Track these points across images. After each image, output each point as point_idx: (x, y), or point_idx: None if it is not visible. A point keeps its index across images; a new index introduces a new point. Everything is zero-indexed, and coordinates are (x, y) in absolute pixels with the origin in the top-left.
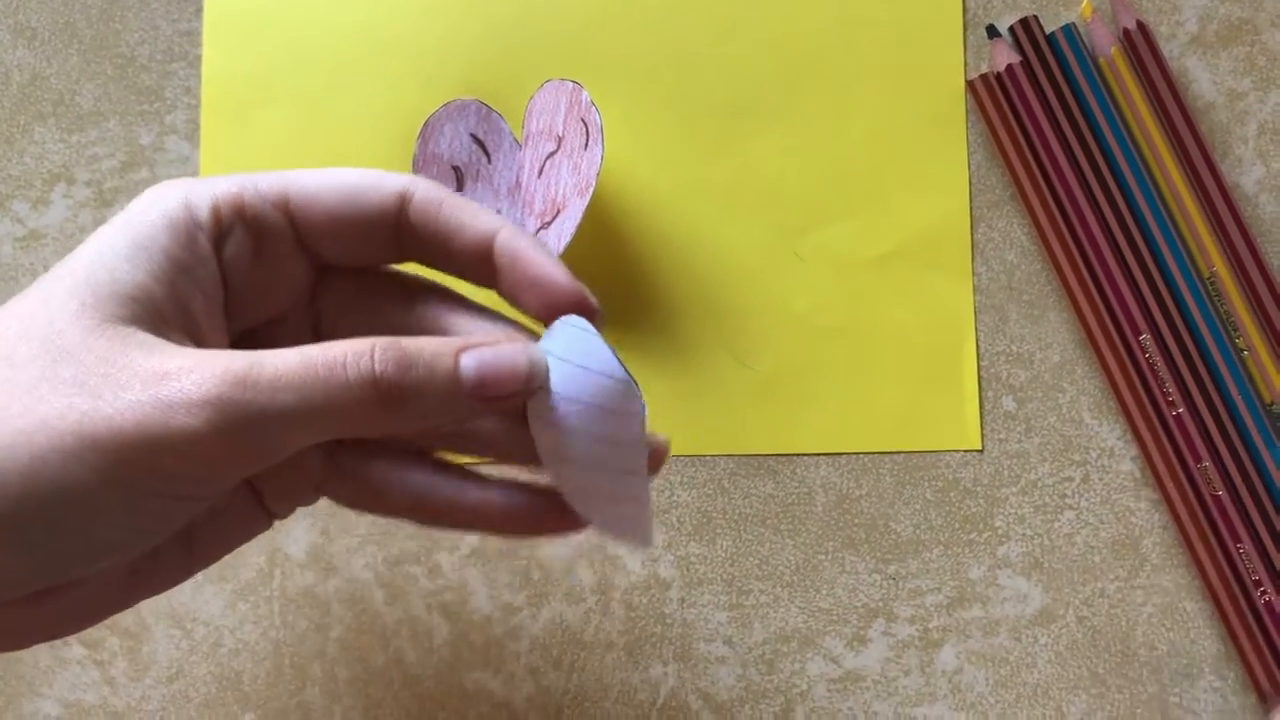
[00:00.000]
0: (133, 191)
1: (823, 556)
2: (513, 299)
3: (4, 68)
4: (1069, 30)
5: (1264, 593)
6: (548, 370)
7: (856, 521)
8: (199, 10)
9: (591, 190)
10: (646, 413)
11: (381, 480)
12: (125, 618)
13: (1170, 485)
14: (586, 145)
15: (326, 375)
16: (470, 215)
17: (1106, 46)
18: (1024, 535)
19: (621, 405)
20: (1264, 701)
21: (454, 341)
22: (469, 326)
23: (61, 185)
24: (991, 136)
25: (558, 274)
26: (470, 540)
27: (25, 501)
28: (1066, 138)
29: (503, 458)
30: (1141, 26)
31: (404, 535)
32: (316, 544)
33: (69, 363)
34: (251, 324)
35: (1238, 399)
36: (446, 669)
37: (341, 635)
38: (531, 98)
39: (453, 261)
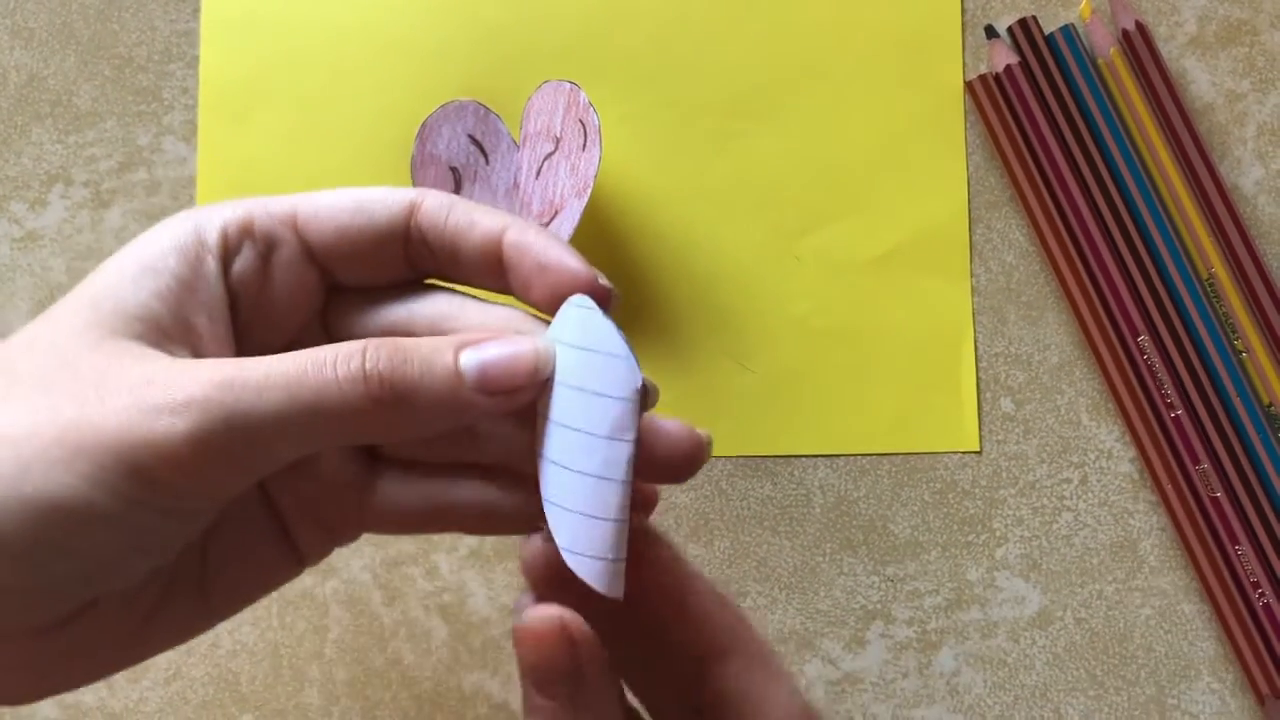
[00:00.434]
0: (130, 192)
1: (821, 558)
2: (524, 294)
3: (1, 68)
4: (1068, 31)
5: (1262, 595)
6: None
7: (855, 523)
8: (196, 11)
9: (589, 191)
10: (637, 403)
11: (438, 496)
12: None
13: (1168, 487)
14: (585, 146)
15: (315, 373)
16: (479, 216)
17: (1105, 47)
18: (1022, 537)
19: (611, 388)
20: (1262, 703)
21: (453, 338)
22: (483, 321)
23: (59, 186)
24: (990, 137)
25: (566, 258)
26: (468, 542)
27: (12, 513)
28: (1065, 139)
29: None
30: (1140, 27)
31: (402, 537)
32: None
33: (66, 374)
34: (263, 345)
35: (1236, 401)
36: (445, 670)
37: (340, 636)
38: (529, 99)
39: (463, 268)
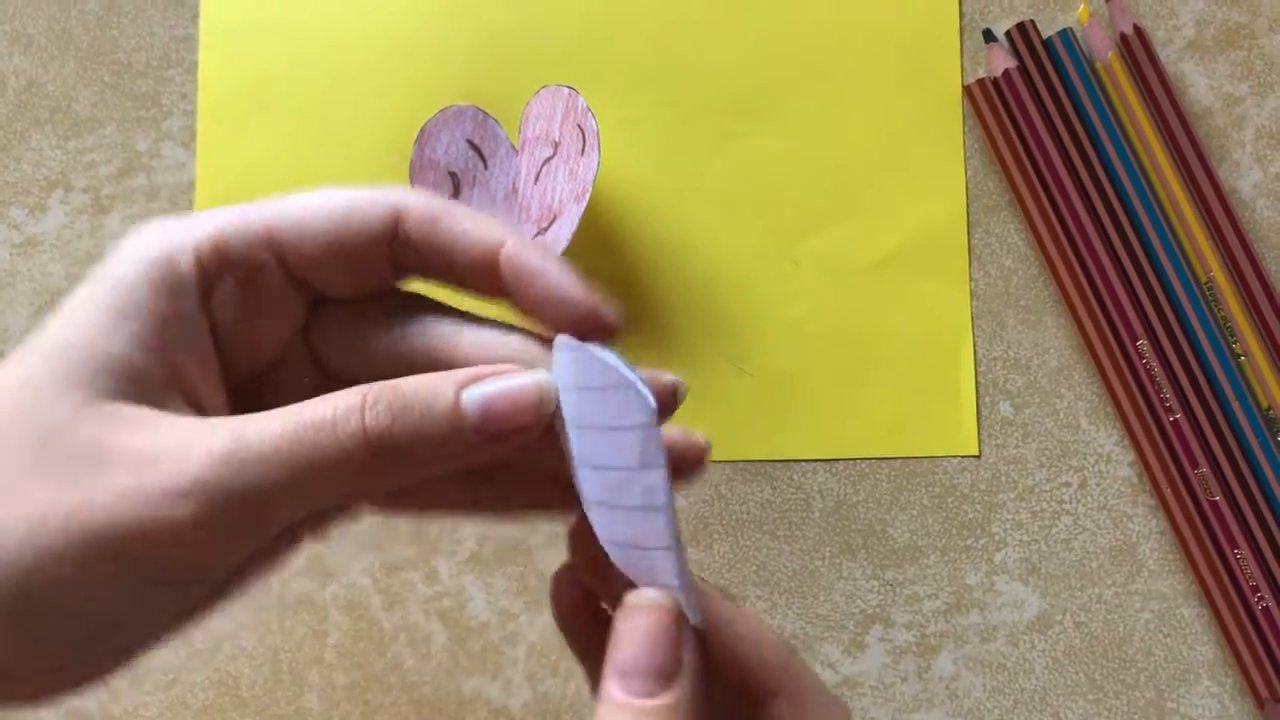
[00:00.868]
0: (130, 198)
1: (820, 562)
2: (524, 315)
3: (1, 74)
4: (1066, 35)
5: (1261, 598)
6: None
7: (854, 527)
8: (195, 16)
9: (588, 196)
10: (656, 427)
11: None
12: None
13: (1167, 491)
14: (583, 151)
15: (314, 439)
16: (472, 226)
17: (1103, 51)
18: (1021, 541)
19: (626, 418)
20: (1261, 707)
21: (453, 375)
22: (476, 344)
23: (59, 192)
24: (988, 141)
25: (569, 289)
26: (468, 546)
27: (15, 590)
28: (1063, 142)
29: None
30: (1138, 31)
31: (402, 542)
32: (314, 550)
33: (56, 448)
34: (249, 370)
35: (1235, 405)
36: (444, 675)
37: (339, 641)
38: (528, 103)
39: (456, 276)
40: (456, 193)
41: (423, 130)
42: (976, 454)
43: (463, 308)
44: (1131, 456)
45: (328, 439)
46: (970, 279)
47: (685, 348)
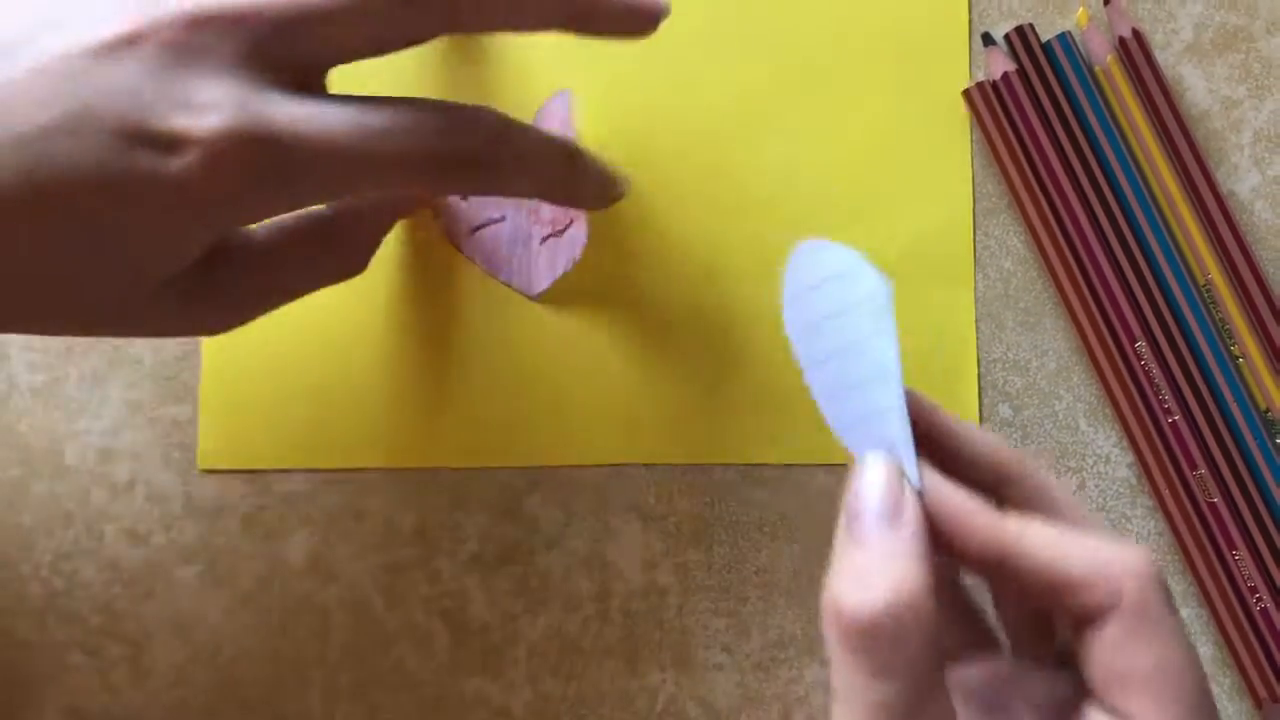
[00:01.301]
0: None
1: (821, 566)
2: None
3: None
4: (1064, 38)
5: (1259, 600)
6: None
7: None
8: None
9: None
10: (886, 297)
11: None
12: (127, 625)
13: (1166, 492)
14: None
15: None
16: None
17: (1102, 54)
18: None
19: (858, 293)
20: (1260, 707)
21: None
22: None
23: None
24: (987, 144)
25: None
26: (470, 547)
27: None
28: (1062, 145)
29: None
30: (1137, 34)
31: (404, 542)
32: (316, 551)
33: None
34: None
35: (1233, 406)
36: (446, 675)
37: (341, 642)
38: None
39: None
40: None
41: None
42: None
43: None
44: (1130, 458)
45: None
46: (975, 287)
47: (687, 349)
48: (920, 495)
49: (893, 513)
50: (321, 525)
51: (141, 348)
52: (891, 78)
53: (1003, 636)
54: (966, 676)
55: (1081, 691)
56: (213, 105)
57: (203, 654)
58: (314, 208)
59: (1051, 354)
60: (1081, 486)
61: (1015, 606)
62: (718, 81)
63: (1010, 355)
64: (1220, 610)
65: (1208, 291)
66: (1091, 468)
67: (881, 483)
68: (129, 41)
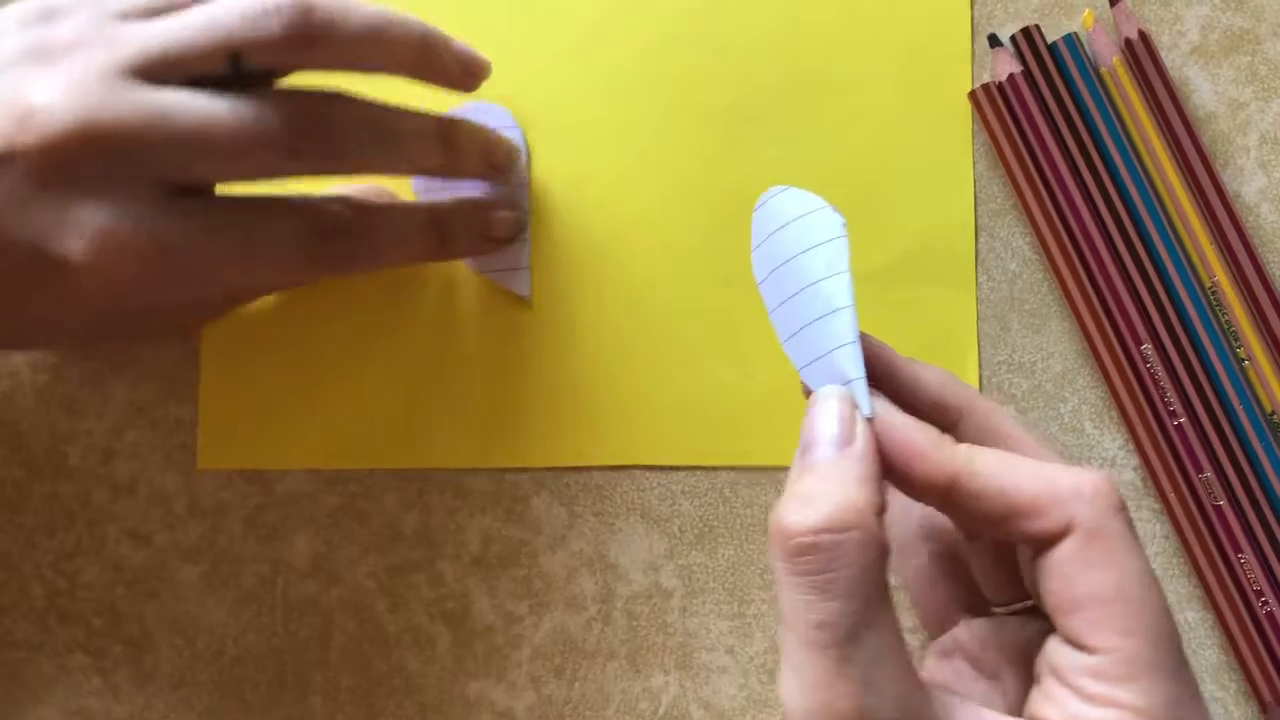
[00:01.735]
0: None
1: None
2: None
3: None
4: (1070, 40)
5: (1265, 603)
6: None
7: None
8: None
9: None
10: (843, 237)
11: None
12: (129, 626)
13: (1171, 495)
14: None
15: None
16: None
17: (1108, 56)
18: None
19: (818, 237)
20: (1265, 711)
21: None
22: None
23: None
24: (993, 146)
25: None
26: (472, 550)
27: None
28: (1068, 147)
29: None
30: (1143, 36)
31: (406, 544)
32: (319, 553)
33: None
34: None
35: (1239, 409)
36: (448, 678)
37: (344, 644)
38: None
39: None
40: None
41: None
42: None
43: None
44: (1136, 461)
45: None
46: (976, 285)
47: (689, 352)
48: (870, 423)
49: (843, 440)
50: (324, 527)
51: (143, 348)
52: (893, 79)
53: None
54: (959, 638)
55: (1047, 629)
56: (89, 223)
57: (205, 655)
58: None
59: (1057, 356)
60: None
61: (987, 555)
62: (722, 82)
63: (1016, 357)
64: (1226, 614)
65: (1213, 294)
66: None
67: (833, 412)
68: (4, 160)
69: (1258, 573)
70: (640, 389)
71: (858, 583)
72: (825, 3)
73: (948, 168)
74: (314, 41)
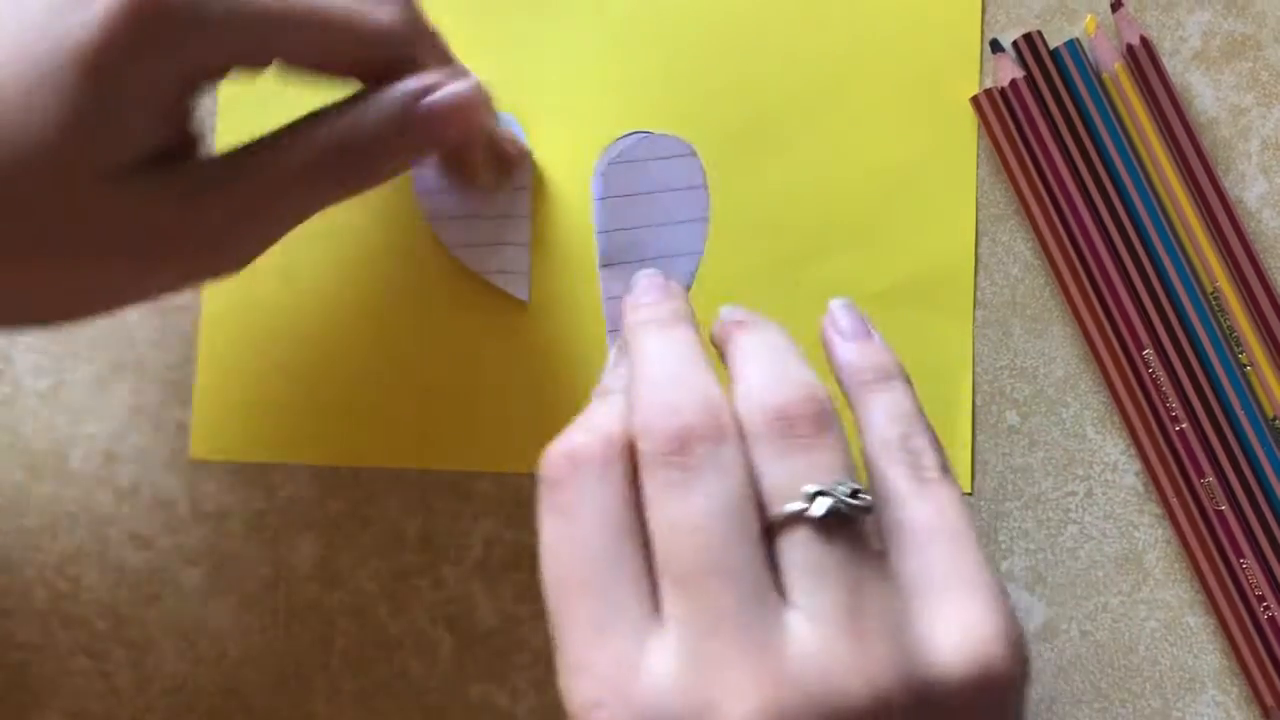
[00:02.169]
0: None
1: None
2: None
3: None
4: (1073, 45)
5: (1267, 607)
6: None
7: None
8: None
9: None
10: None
11: None
12: (131, 629)
13: (1173, 500)
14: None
15: None
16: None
17: (1110, 62)
18: (1027, 549)
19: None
20: (1267, 716)
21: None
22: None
23: None
24: (995, 151)
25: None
26: (474, 554)
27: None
28: (1070, 152)
29: None
30: (1145, 42)
31: (408, 548)
32: (321, 556)
33: None
34: None
35: (1241, 414)
36: (451, 681)
37: (346, 647)
38: None
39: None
40: None
41: None
42: (970, 493)
43: None
44: (1137, 465)
45: None
46: (976, 304)
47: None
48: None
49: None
50: (326, 530)
51: (145, 351)
52: (898, 101)
53: None
54: None
55: None
56: None
57: (207, 659)
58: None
59: (1059, 361)
60: (1089, 494)
61: None
62: (727, 96)
63: (1017, 362)
64: (1228, 618)
65: (1215, 299)
66: (1099, 475)
67: (610, 363)
68: None
69: (1259, 577)
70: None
71: (593, 505)
72: (833, 16)
73: (951, 194)
74: (411, 42)
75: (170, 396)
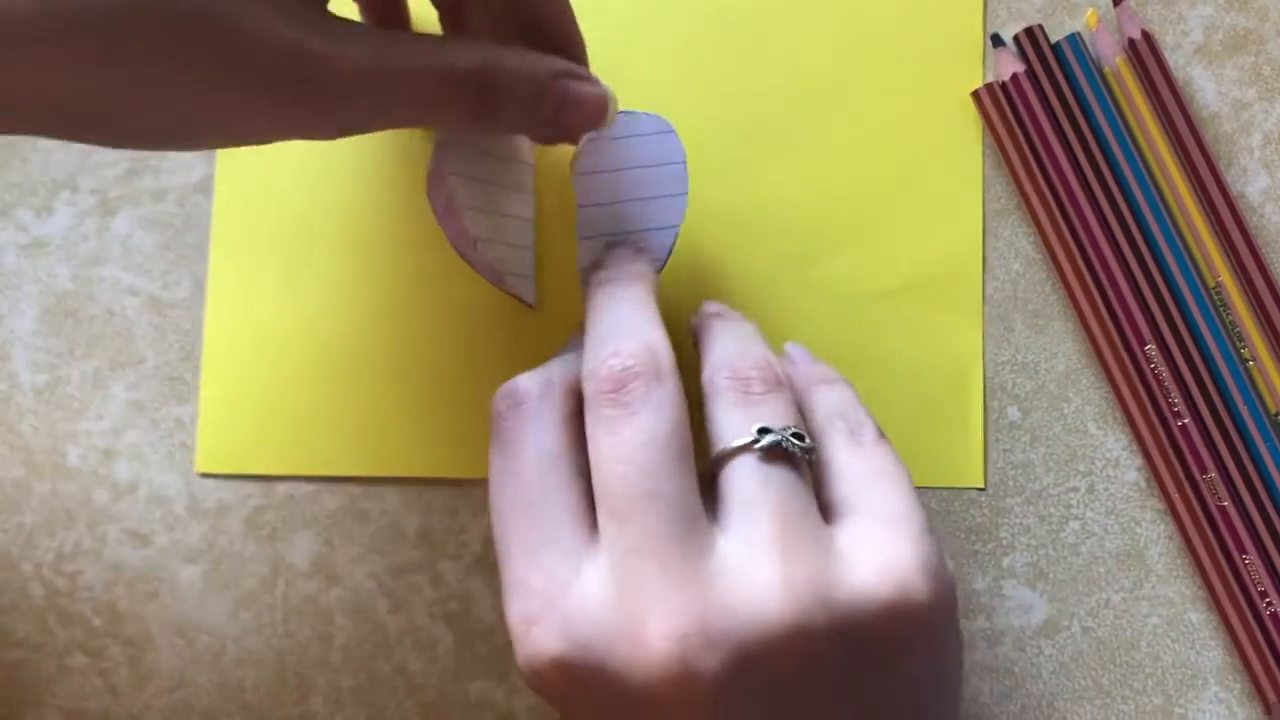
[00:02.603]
0: (137, 199)
1: None
2: None
3: None
4: (1074, 39)
5: (1269, 604)
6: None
7: None
8: None
9: None
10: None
11: None
12: (129, 627)
13: (1175, 496)
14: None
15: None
16: None
17: (1111, 56)
18: (1028, 545)
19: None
20: (1269, 712)
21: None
22: None
23: (65, 193)
24: (996, 146)
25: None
26: (473, 550)
27: None
28: (1071, 146)
29: None
30: (1146, 36)
31: (407, 545)
32: (320, 553)
33: None
34: None
35: (1243, 409)
36: (450, 678)
37: (344, 645)
38: None
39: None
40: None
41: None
42: (982, 487)
43: None
44: (1139, 461)
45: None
46: (983, 314)
47: (690, 370)
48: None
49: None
50: (324, 527)
51: (144, 348)
52: (904, 82)
53: None
54: None
55: None
56: None
57: (205, 656)
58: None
59: (1060, 356)
60: (1091, 490)
61: None
62: (731, 95)
63: (1019, 358)
64: (1230, 614)
65: (1218, 294)
66: (1100, 471)
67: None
68: None
69: (1262, 573)
70: None
71: (533, 437)
72: (835, 13)
73: (957, 190)
74: None
75: (169, 393)
